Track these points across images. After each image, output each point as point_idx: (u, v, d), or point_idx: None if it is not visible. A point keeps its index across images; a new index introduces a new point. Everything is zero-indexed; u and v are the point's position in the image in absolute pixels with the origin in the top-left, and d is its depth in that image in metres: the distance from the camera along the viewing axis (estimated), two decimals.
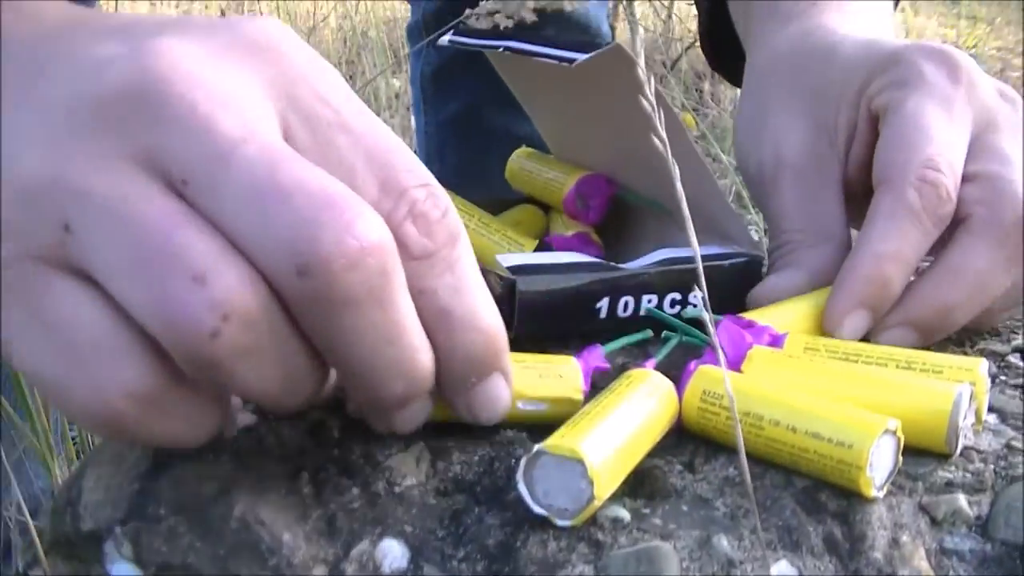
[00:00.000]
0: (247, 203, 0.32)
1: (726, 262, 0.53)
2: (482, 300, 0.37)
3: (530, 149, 0.68)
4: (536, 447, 0.36)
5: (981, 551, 0.38)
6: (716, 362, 0.42)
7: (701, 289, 0.36)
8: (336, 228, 0.32)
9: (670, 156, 0.31)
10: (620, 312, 0.50)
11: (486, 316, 0.37)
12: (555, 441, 0.36)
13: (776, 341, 0.46)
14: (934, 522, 0.38)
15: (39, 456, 0.76)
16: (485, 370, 0.38)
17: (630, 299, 0.50)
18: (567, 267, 0.50)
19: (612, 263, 0.51)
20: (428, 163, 1.10)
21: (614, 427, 0.38)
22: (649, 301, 0.50)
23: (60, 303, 0.33)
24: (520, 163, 0.67)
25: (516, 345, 0.40)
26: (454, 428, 0.42)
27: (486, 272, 0.45)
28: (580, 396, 0.42)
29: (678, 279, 0.51)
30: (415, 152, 1.29)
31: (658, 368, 0.43)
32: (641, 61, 0.32)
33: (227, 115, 0.33)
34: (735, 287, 0.53)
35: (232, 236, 0.32)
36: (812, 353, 0.45)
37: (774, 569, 0.36)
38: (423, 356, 0.36)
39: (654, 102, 0.31)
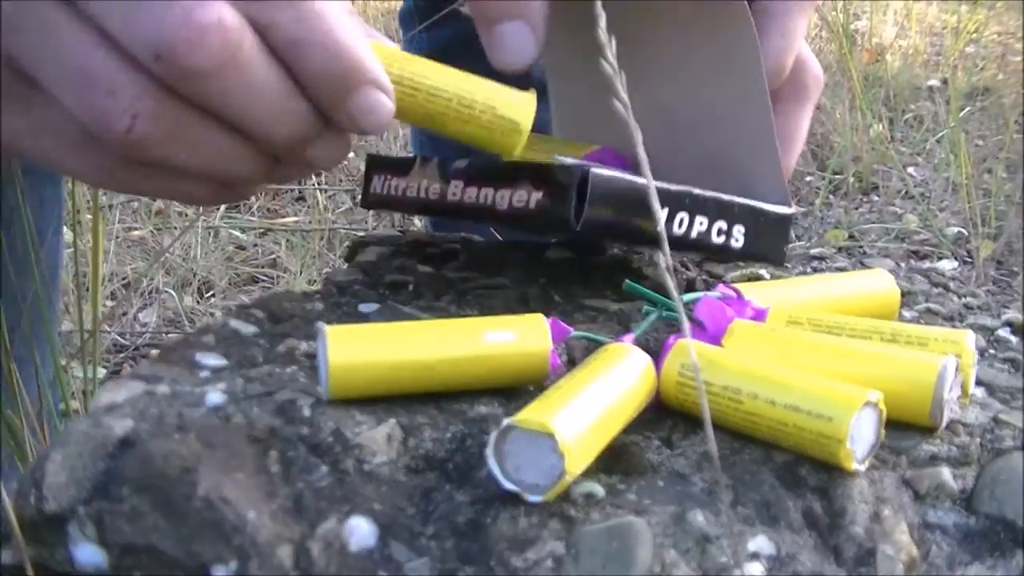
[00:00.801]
0: (117, 11, 0.39)
1: (761, 205, 0.53)
2: (333, 22, 0.41)
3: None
4: (506, 421, 0.35)
5: (965, 525, 0.37)
6: (696, 336, 0.42)
7: (666, 255, 0.35)
8: (176, 20, 0.38)
9: (631, 119, 0.30)
10: (675, 228, 0.49)
11: (339, 33, 0.41)
12: (525, 415, 0.35)
13: (759, 315, 0.45)
14: (917, 496, 0.38)
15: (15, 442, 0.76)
16: (351, 82, 0.42)
17: (685, 216, 0.49)
18: (628, 173, 0.49)
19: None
20: (421, 149, 1.10)
21: (588, 401, 0.37)
22: (701, 223, 0.50)
23: (36, 105, 0.42)
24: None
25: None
26: (427, 405, 0.41)
27: (557, 166, 0.47)
28: (548, 341, 0.42)
29: (727, 208, 0.51)
30: (410, 137, 1.28)
31: (638, 344, 0.42)
32: (602, 23, 0.31)
33: None
34: (768, 236, 0.53)
35: (114, 39, 0.39)
36: (794, 327, 0.44)
37: (751, 544, 0.35)
38: (299, 104, 0.42)
39: (615, 65, 0.30)
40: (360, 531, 0.35)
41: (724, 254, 0.52)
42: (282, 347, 0.45)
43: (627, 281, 0.46)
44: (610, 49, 0.30)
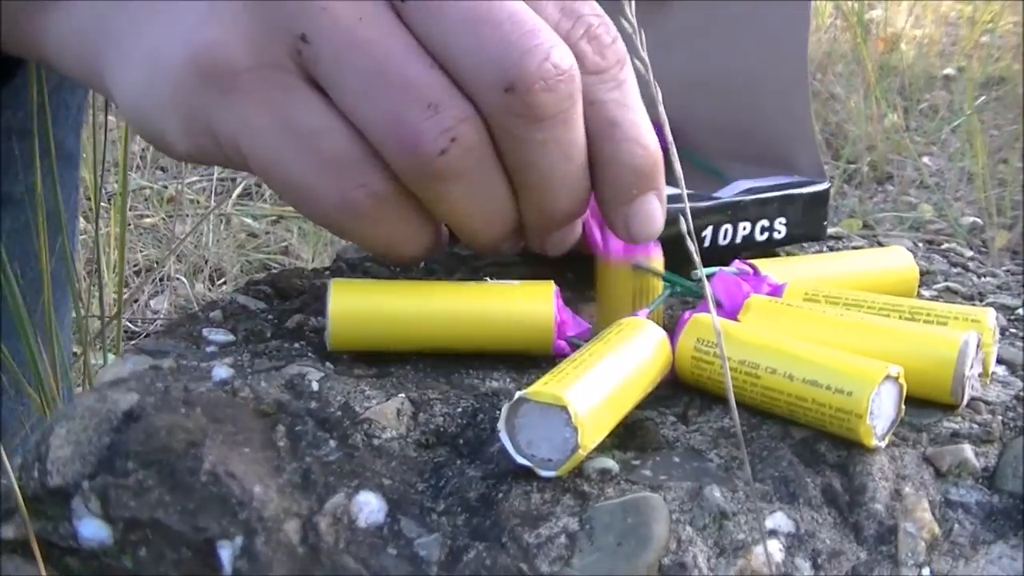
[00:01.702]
0: (464, 28, 0.37)
1: (799, 190, 0.53)
2: (644, 119, 0.40)
3: None
4: (518, 394, 0.34)
5: (988, 503, 0.36)
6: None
7: (693, 240, 0.34)
8: (539, 54, 0.37)
9: (651, 78, 0.29)
10: (721, 240, 0.50)
11: (648, 133, 0.40)
12: (538, 388, 0.34)
13: (775, 291, 0.44)
14: (939, 473, 0.37)
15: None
16: (645, 184, 0.41)
17: (728, 227, 0.50)
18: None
19: (704, 192, 0.51)
20: None
21: (602, 374, 0.36)
22: (744, 228, 0.50)
23: (304, 112, 0.38)
24: None
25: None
26: (438, 379, 0.40)
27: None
28: (552, 301, 0.42)
29: (767, 206, 0.51)
30: None
31: (652, 319, 0.41)
32: None
33: None
34: (808, 216, 0.53)
35: (445, 57, 0.37)
36: (812, 302, 0.43)
37: (769, 521, 0.34)
38: (586, 178, 0.41)
39: (635, 23, 0.29)
40: (369, 506, 0.34)
41: (770, 246, 0.52)
42: (291, 323, 0.45)
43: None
44: (630, 7, 0.30)
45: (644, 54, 0.30)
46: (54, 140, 0.74)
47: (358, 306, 0.41)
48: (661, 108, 0.30)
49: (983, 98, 2.29)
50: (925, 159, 2.14)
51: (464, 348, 0.42)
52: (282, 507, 0.34)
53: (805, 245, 0.57)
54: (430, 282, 0.43)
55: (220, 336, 0.43)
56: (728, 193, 0.52)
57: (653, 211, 0.41)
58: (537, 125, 0.38)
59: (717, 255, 0.49)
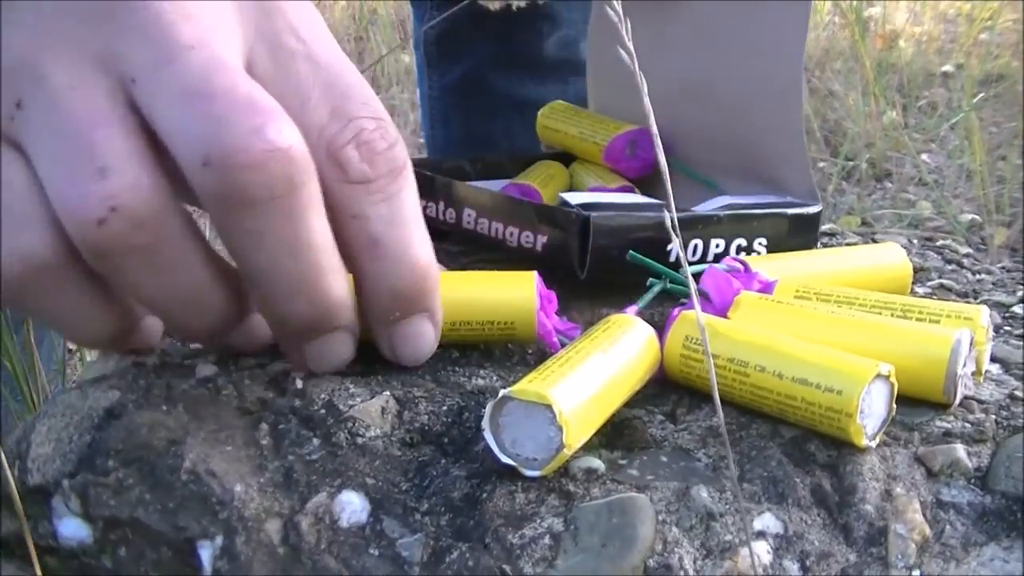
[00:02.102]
0: (177, 102, 0.33)
1: (785, 211, 0.51)
2: (417, 237, 0.38)
3: (564, 103, 0.67)
4: (502, 392, 0.34)
5: (980, 504, 0.35)
6: (702, 309, 0.40)
7: (678, 236, 0.34)
8: (244, 128, 0.33)
9: (637, 69, 0.28)
10: (689, 255, 0.49)
11: (418, 253, 0.38)
12: (523, 386, 0.34)
13: (766, 288, 0.44)
14: (930, 474, 0.36)
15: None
16: (410, 307, 0.39)
17: (699, 242, 0.48)
18: (635, 206, 0.49)
19: (679, 205, 0.50)
20: (432, 128, 1.08)
21: (588, 373, 0.35)
22: (717, 246, 0.49)
23: (7, 168, 0.34)
24: (554, 114, 0.67)
25: (586, 291, 0.45)
26: (424, 378, 0.40)
27: (557, 209, 0.47)
28: (533, 287, 0.42)
29: (744, 224, 0.49)
30: (420, 119, 1.27)
31: (642, 316, 0.41)
32: None
33: (186, 26, 0.34)
34: (796, 239, 0.51)
35: (158, 132, 0.33)
36: (803, 300, 0.43)
37: (758, 522, 0.34)
38: (332, 279, 0.36)
39: (620, 12, 0.29)
40: (352, 506, 0.34)
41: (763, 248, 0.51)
42: None
43: (631, 251, 0.44)
44: None
45: (629, 44, 0.29)
46: None
47: None
48: (646, 100, 0.30)
49: (982, 95, 2.29)
50: (924, 156, 2.13)
51: (448, 331, 0.41)
52: (263, 506, 0.33)
53: None
54: None
55: None
56: (706, 208, 0.51)
57: (419, 334, 0.39)
58: (242, 210, 0.33)
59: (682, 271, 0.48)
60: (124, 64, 0.34)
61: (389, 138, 0.37)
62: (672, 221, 0.32)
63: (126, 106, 0.34)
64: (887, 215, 1.88)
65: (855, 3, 2.46)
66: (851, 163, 2.09)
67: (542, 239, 0.48)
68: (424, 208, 0.49)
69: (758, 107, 0.54)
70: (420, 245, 0.38)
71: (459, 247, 0.53)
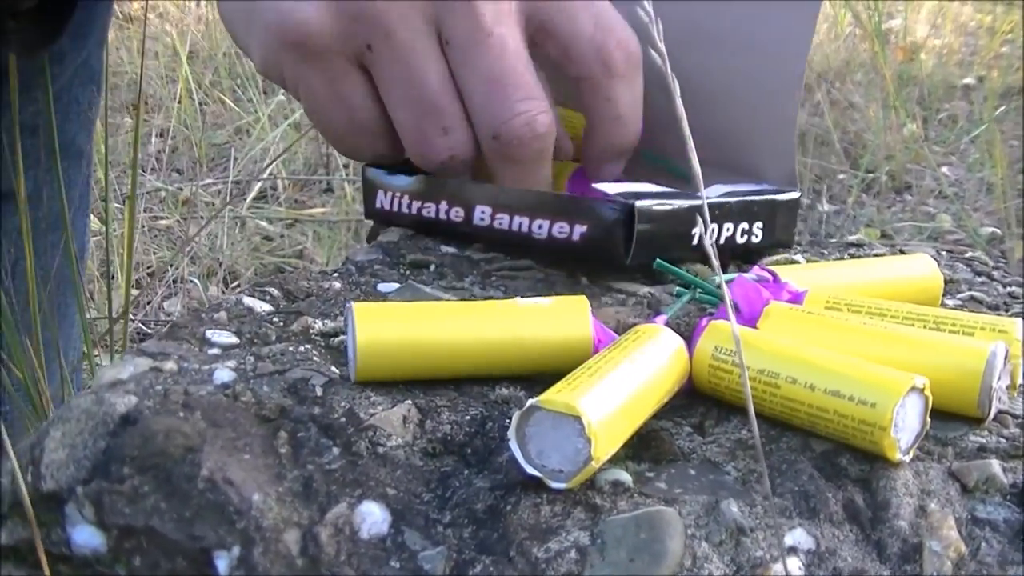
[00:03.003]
0: (482, 78, 0.50)
1: (777, 197, 0.53)
2: (641, 108, 0.54)
3: None
4: (530, 402, 0.33)
5: (1017, 521, 0.34)
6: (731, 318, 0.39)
7: (712, 245, 0.33)
8: (524, 120, 0.50)
9: (668, 70, 0.28)
10: (707, 240, 0.48)
11: (640, 123, 0.55)
12: (550, 396, 0.33)
13: (796, 298, 0.43)
14: (965, 489, 0.35)
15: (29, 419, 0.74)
16: (621, 156, 0.56)
17: (715, 227, 0.50)
18: (660, 195, 0.49)
19: (689, 192, 0.51)
20: None
21: (617, 383, 0.35)
22: (728, 230, 0.51)
23: (351, 90, 0.52)
24: None
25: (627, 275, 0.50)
26: (447, 387, 0.39)
27: (595, 200, 0.48)
28: (589, 324, 0.40)
29: (747, 210, 0.52)
30: None
31: (670, 326, 0.40)
32: None
33: (489, 5, 0.49)
34: (784, 223, 0.53)
35: (465, 94, 0.50)
36: (834, 310, 0.42)
37: (789, 538, 0.33)
38: (547, 183, 0.53)
39: (651, 11, 0.28)
40: (372, 517, 0.33)
41: (746, 250, 0.52)
42: (296, 326, 0.43)
43: (658, 260, 0.43)
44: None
45: (661, 46, 0.29)
46: (64, 137, 0.74)
47: (387, 338, 0.38)
48: (678, 100, 0.29)
49: (1003, 108, 2.27)
50: (944, 169, 2.12)
51: (498, 375, 0.40)
52: (281, 516, 0.33)
53: (825, 252, 0.55)
54: (458, 305, 0.41)
55: (224, 338, 0.42)
56: (712, 195, 0.52)
57: (617, 168, 0.56)
58: (512, 164, 0.51)
59: (701, 253, 0.49)
60: (444, 26, 0.50)
61: (636, 41, 0.53)
62: (707, 229, 0.31)
63: (448, 70, 0.50)
64: (907, 228, 1.87)
65: (875, 15, 2.45)
66: (871, 175, 2.08)
67: (580, 229, 0.48)
68: (420, 209, 0.53)
69: (749, 98, 0.55)
70: (639, 113, 0.54)
71: (483, 253, 0.52)
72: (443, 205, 0.53)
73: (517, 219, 0.50)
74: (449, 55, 0.50)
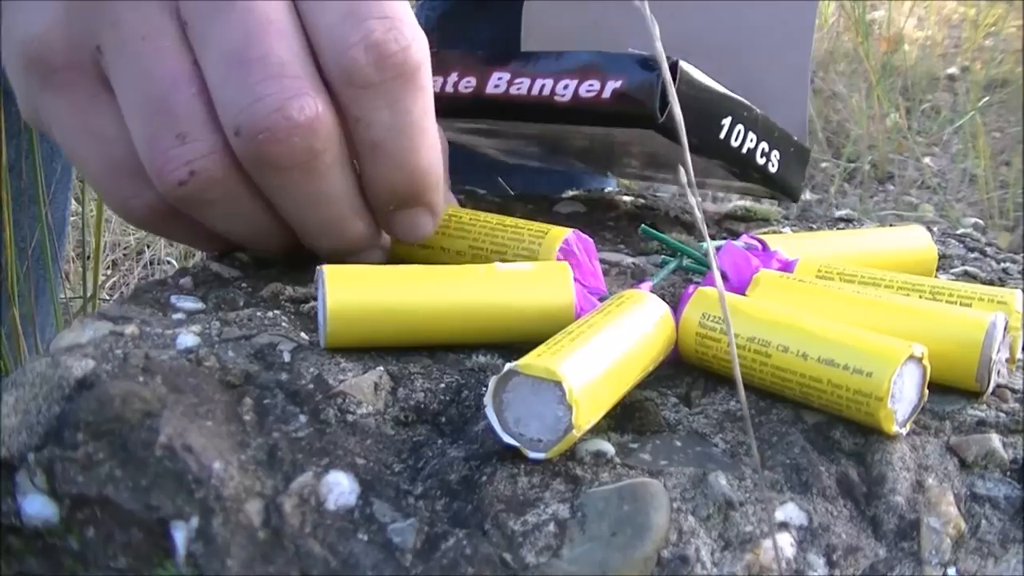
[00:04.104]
0: (221, 61, 0.37)
1: (793, 136, 0.51)
2: (421, 143, 0.39)
3: None
4: (508, 366, 0.31)
5: (1017, 498, 0.33)
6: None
7: (699, 208, 0.31)
8: (271, 104, 0.36)
9: (647, 12, 0.26)
10: (732, 140, 0.47)
11: (418, 159, 0.39)
12: (530, 360, 0.31)
13: (786, 267, 0.41)
14: (964, 464, 0.34)
15: None
16: (407, 204, 0.40)
17: (742, 128, 0.48)
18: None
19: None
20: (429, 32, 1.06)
21: (600, 349, 0.33)
22: (751, 140, 0.48)
23: (101, 118, 0.39)
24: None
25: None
26: (420, 354, 0.37)
27: (633, 54, 0.44)
28: (571, 289, 0.38)
29: (770, 129, 0.49)
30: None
31: (656, 294, 0.38)
32: None
33: None
34: (795, 166, 0.51)
35: (208, 85, 0.37)
36: (825, 279, 0.40)
37: (780, 513, 0.31)
38: (353, 222, 0.40)
39: (647, 12, 0.26)
40: (340, 487, 0.31)
41: (762, 176, 0.50)
42: (266, 291, 0.41)
43: (643, 225, 0.42)
44: None
45: (658, 45, 0.27)
46: None
47: (358, 302, 0.37)
48: (658, 43, 0.27)
49: (986, 99, 2.27)
50: (927, 159, 2.11)
51: (475, 342, 0.38)
52: (243, 485, 0.31)
53: (814, 227, 0.54)
54: (434, 268, 0.39)
55: (189, 303, 0.40)
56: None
57: (415, 224, 0.41)
58: (269, 172, 0.38)
59: (726, 155, 0.47)
60: (183, 8, 0.38)
61: (403, 39, 0.37)
62: (693, 191, 0.29)
63: (191, 60, 0.38)
64: (889, 218, 1.86)
65: (859, 6, 2.44)
66: (853, 165, 2.07)
67: (614, 84, 0.44)
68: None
69: (762, 52, 0.54)
70: (423, 151, 0.39)
71: (487, 137, 0.49)
72: (452, 77, 0.48)
73: (540, 82, 0.46)
74: (190, 39, 0.38)
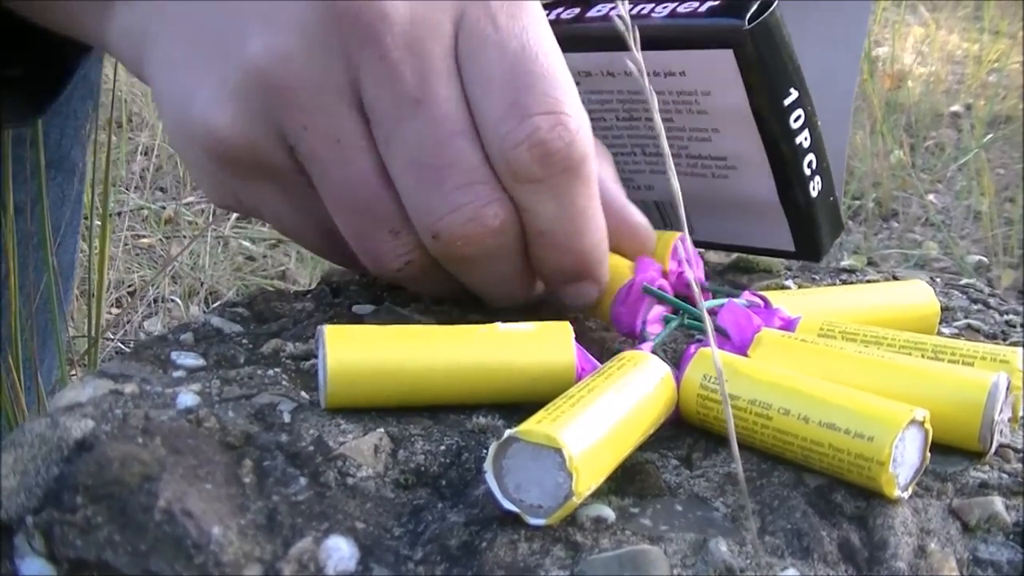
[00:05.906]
0: (411, 166, 0.39)
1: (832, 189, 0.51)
2: (583, 227, 0.41)
3: None
4: (508, 432, 0.31)
5: (1020, 562, 0.33)
6: (720, 346, 0.38)
7: (693, 277, 0.31)
8: (467, 214, 0.39)
9: (647, 85, 0.26)
10: (792, 120, 0.47)
11: (583, 241, 0.41)
12: (530, 426, 0.31)
13: (788, 325, 0.41)
14: (966, 528, 0.34)
15: None
16: (571, 280, 0.43)
17: (801, 114, 0.47)
18: None
19: None
20: None
21: (600, 413, 0.33)
22: (805, 138, 0.47)
23: (307, 197, 0.42)
24: None
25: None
26: (421, 415, 0.37)
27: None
28: (572, 350, 0.38)
29: (820, 148, 0.48)
30: None
31: (657, 353, 0.38)
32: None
33: (411, 63, 0.38)
34: (831, 208, 0.51)
35: (399, 187, 0.40)
36: (827, 338, 0.40)
37: None
38: (530, 288, 0.44)
39: (628, 20, 0.26)
40: (339, 552, 0.31)
41: (802, 191, 0.49)
42: (266, 348, 0.41)
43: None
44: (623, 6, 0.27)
45: (638, 55, 0.27)
46: (60, 151, 0.72)
47: (359, 363, 0.36)
48: (657, 115, 0.27)
49: (990, 136, 2.27)
50: (931, 196, 2.11)
51: (475, 403, 0.38)
52: (243, 551, 0.31)
53: (817, 277, 0.54)
54: (435, 329, 0.39)
55: (190, 360, 0.40)
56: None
57: (581, 294, 0.43)
58: (463, 265, 0.42)
59: (779, 123, 0.47)
60: (366, 104, 0.39)
61: (567, 135, 0.38)
62: (688, 256, 0.29)
63: (379, 158, 0.40)
64: (893, 255, 1.86)
65: (864, 42, 2.45)
66: (858, 202, 2.08)
67: (711, 3, 0.45)
68: None
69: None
70: (587, 235, 0.41)
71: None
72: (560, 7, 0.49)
73: (640, 4, 0.46)
74: (375, 137, 0.40)
